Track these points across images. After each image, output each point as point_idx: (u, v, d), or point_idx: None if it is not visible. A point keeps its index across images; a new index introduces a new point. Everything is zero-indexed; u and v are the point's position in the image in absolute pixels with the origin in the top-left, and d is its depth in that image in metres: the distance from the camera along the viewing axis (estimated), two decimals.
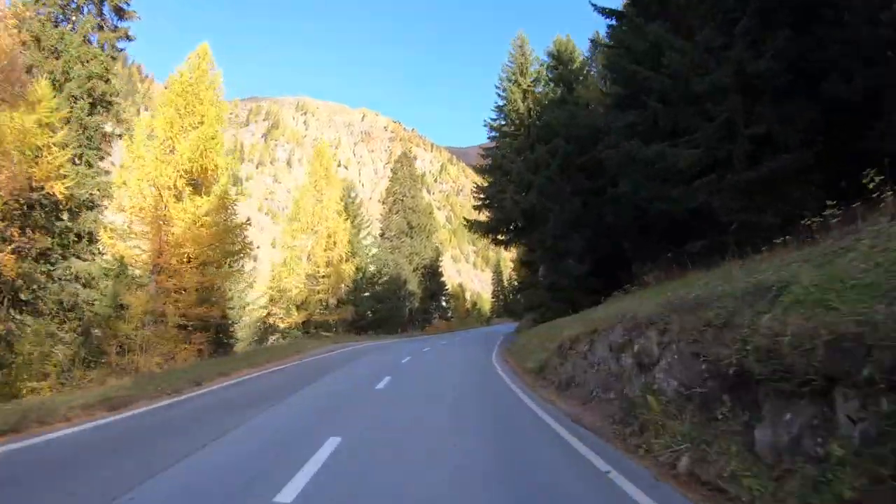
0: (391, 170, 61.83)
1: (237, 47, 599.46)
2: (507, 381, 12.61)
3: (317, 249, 38.62)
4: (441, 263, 60.91)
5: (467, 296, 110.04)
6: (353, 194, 51.81)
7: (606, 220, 24.46)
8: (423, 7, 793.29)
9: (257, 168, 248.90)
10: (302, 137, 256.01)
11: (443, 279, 61.09)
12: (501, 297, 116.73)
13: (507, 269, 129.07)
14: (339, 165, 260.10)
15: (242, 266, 35.74)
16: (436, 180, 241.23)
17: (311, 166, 43.07)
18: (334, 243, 39.00)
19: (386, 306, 48.70)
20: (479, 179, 39.53)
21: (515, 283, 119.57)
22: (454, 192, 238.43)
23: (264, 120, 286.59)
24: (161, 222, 20.44)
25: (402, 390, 11.27)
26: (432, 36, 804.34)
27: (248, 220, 27.89)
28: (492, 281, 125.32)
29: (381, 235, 58.54)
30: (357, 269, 42.46)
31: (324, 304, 38.61)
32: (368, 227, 53.17)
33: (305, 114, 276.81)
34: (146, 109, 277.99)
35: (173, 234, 20.28)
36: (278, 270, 38.43)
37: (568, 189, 25.00)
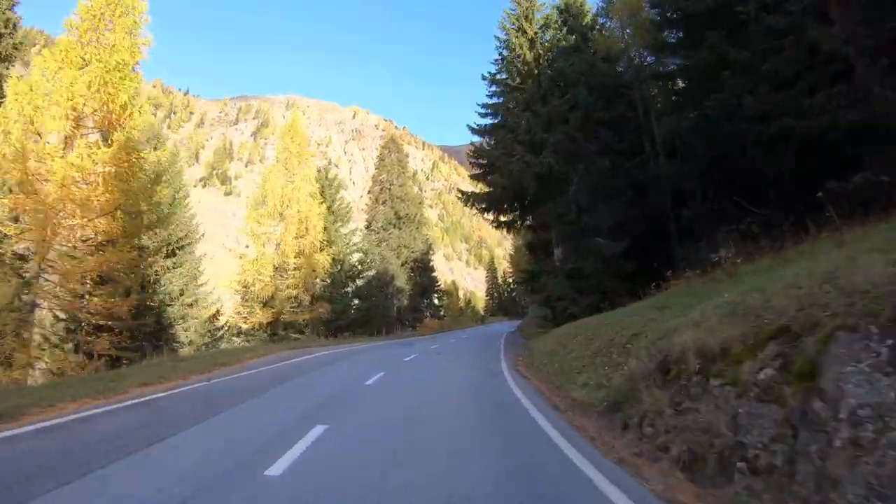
0: (378, 157, 55.64)
1: (227, 46, 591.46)
2: (552, 432, 6.15)
3: (286, 237, 32.45)
4: (432, 258, 54.79)
5: (461, 294, 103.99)
6: (331, 174, 45.52)
7: (641, 185, 18.63)
8: (414, 5, 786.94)
9: (247, 167, 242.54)
10: None
11: (434, 274, 54.96)
12: (496, 294, 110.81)
13: (502, 265, 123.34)
14: (329, 164, 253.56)
15: (198, 258, 29.83)
16: (427, 178, 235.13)
17: (282, 142, 36.79)
18: (306, 229, 32.83)
19: (370, 304, 42.51)
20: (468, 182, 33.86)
21: (511, 281, 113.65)
22: (446, 190, 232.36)
23: (254, 118, 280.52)
24: (36, 179, 14.30)
25: None
26: (424, 34, 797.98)
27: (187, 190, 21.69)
28: (485, 279, 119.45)
29: (367, 227, 52.42)
30: (335, 259, 36.24)
31: (295, 300, 32.45)
32: (347, 216, 46.98)
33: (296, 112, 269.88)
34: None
35: (50, 195, 14.10)
36: (242, 262, 32.19)
37: (592, 148, 19.09)
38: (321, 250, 33.70)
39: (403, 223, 51.17)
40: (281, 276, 32.11)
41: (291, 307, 32.07)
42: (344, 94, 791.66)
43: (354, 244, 43.00)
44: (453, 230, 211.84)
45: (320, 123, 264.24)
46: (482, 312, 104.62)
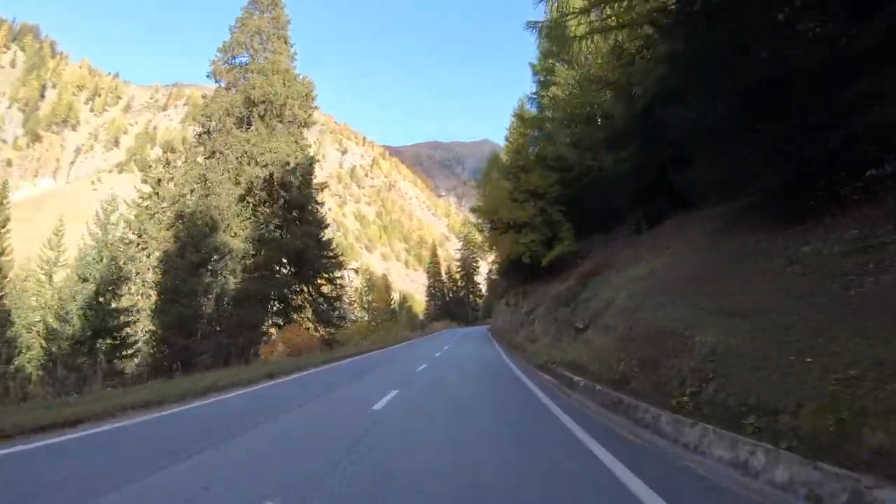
0: (237, 20, 26.65)
1: (162, 30, 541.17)
2: None
3: None
4: (320, 194, 26.61)
5: (395, 294, 75.28)
6: None
7: None
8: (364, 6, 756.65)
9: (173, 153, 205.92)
10: None
11: (322, 217, 26.62)
12: (439, 295, 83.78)
13: (447, 262, 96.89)
14: None
15: None
16: (367, 175, 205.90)
17: None
18: None
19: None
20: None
21: (458, 278, 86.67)
22: (386, 188, 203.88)
23: (185, 105, 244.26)
24: None
25: None
26: (374, 35, 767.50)
27: None
28: (427, 278, 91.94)
29: (201, 135, 24.07)
30: None
31: None
32: None
33: None
34: (53, 87, 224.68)
35: None
36: None
37: None
38: None
39: (269, 120, 22.79)
40: None
41: None
42: None
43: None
44: (392, 228, 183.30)
45: None
46: (422, 317, 77.07)
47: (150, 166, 26.36)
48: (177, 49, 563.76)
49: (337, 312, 25.89)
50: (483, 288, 79.33)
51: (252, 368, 13.78)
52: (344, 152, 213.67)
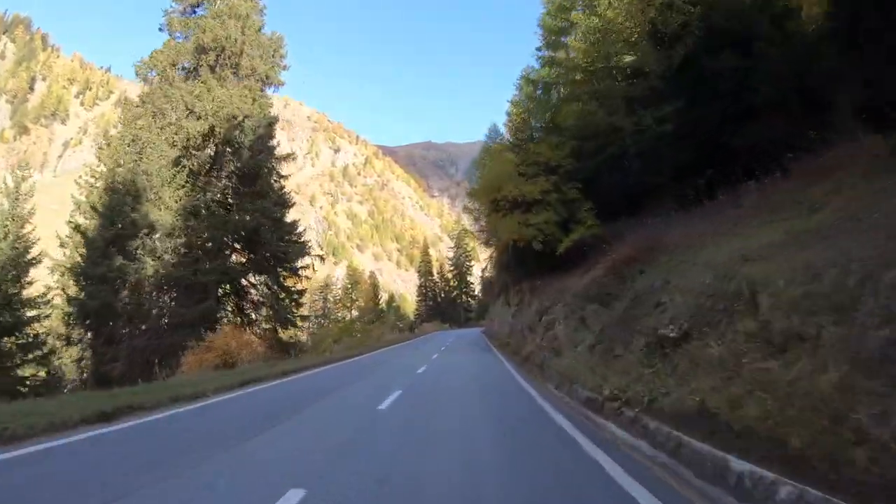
0: None
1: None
2: None
3: None
4: (277, 145, 21.64)
5: (382, 292, 70.40)
6: None
7: None
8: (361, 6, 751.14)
9: None
10: None
11: (286, 195, 21.68)
12: (430, 296, 78.80)
13: (439, 262, 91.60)
14: None
15: None
16: (359, 173, 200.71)
17: None
18: None
19: None
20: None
21: (451, 278, 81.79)
22: (378, 187, 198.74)
23: None
24: None
25: None
26: (369, 36, 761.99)
27: None
28: (418, 278, 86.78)
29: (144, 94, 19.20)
30: None
31: None
32: None
33: None
34: (43, 79, 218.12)
35: None
36: None
37: None
38: None
39: (218, 68, 17.99)
40: None
41: None
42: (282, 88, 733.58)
43: None
44: (384, 228, 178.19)
45: None
46: (412, 318, 72.33)
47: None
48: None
49: (301, 311, 20.91)
50: (477, 288, 74.66)
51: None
52: (337, 151, 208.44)
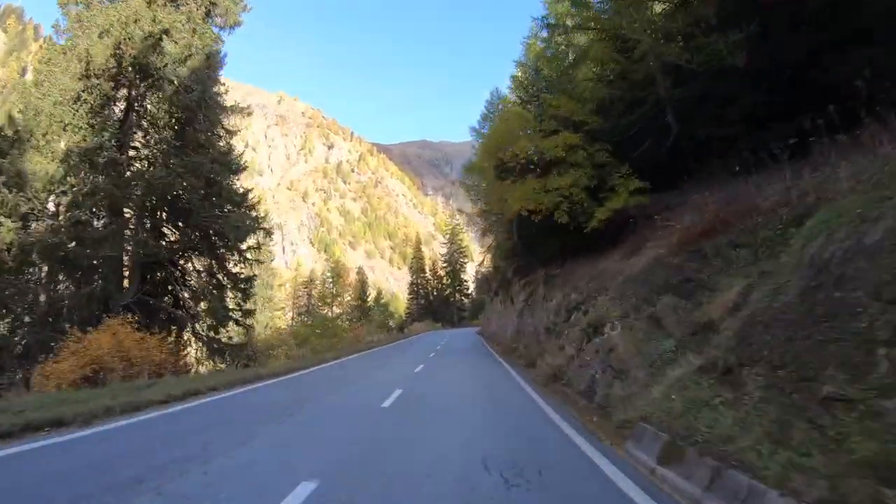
0: None
1: None
2: None
3: None
4: (225, 92, 16.82)
5: (370, 289, 65.56)
6: None
7: None
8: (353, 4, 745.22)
9: None
10: None
11: (235, 156, 16.72)
12: (422, 293, 73.83)
13: (432, 260, 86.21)
14: (246, 146, 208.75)
15: None
16: (353, 170, 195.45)
17: None
18: None
19: None
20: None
21: (445, 275, 76.85)
22: (372, 184, 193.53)
23: None
24: None
25: None
26: (367, 34, 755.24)
27: None
28: (409, 274, 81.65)
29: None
30: None
31: None
32: None
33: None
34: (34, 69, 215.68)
35: None
36: None
37: None
38: None
39: None
40: None
41: None
42: (275, 82, 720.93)
43: None
44: (377, 225, 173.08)
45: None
46: (403, 317, 67.65)
47: None
48: None
49: (247, 305, 15.97)
50: (471, 286, 69.91)
51: None
52: (330, 147, 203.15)
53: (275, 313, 49.98)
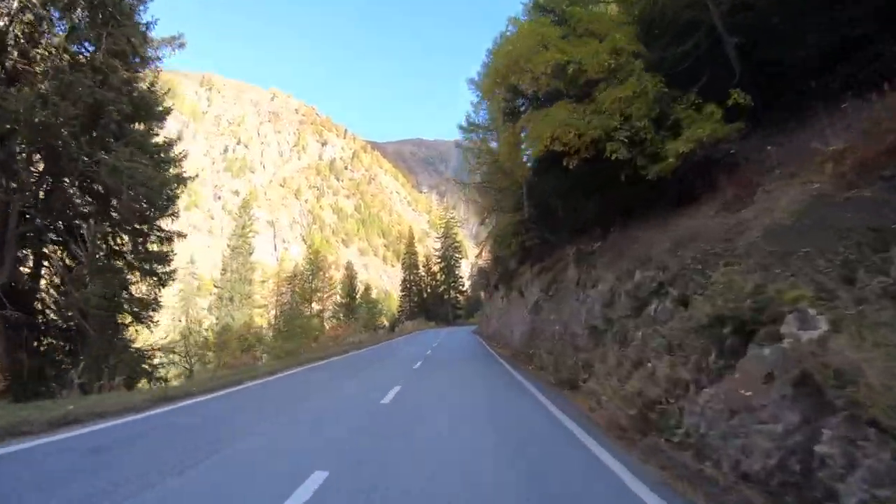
0: None
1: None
2: None
3: None
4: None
5: (359, 283, 60.75)
6: None
7: None
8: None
9: None
10: (202, 113, 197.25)
11: (151, 86, 11.95)
12: (416, 291, 69.13)
13: (426, 256, 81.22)
14: (238, 143, 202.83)
15: None
16: (347, 167, 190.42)
17: None
18: None
19: None
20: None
21: (439, 271, 72.09)
22: (366, 181, 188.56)
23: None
24: None
25: None
26: (362, 33, 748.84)
27: None
28: (402, 271, 76.78)
29: None
30: None
31: None
32: None
33: (210, 90, 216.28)
34: None
35: None
36: None
37: None
38: None
39: None
40: None
41: None
42: (270, 80, 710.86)
43: None
44: (370, 223, 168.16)
45: (235, 102, 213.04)
46: (396, 315, 63.17)
47: None
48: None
49: (153, 295, 11.32)
50: (466, 283, 65.42)
51: None
52: (324, 144, 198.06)
53: (254, 310, 45.29)
